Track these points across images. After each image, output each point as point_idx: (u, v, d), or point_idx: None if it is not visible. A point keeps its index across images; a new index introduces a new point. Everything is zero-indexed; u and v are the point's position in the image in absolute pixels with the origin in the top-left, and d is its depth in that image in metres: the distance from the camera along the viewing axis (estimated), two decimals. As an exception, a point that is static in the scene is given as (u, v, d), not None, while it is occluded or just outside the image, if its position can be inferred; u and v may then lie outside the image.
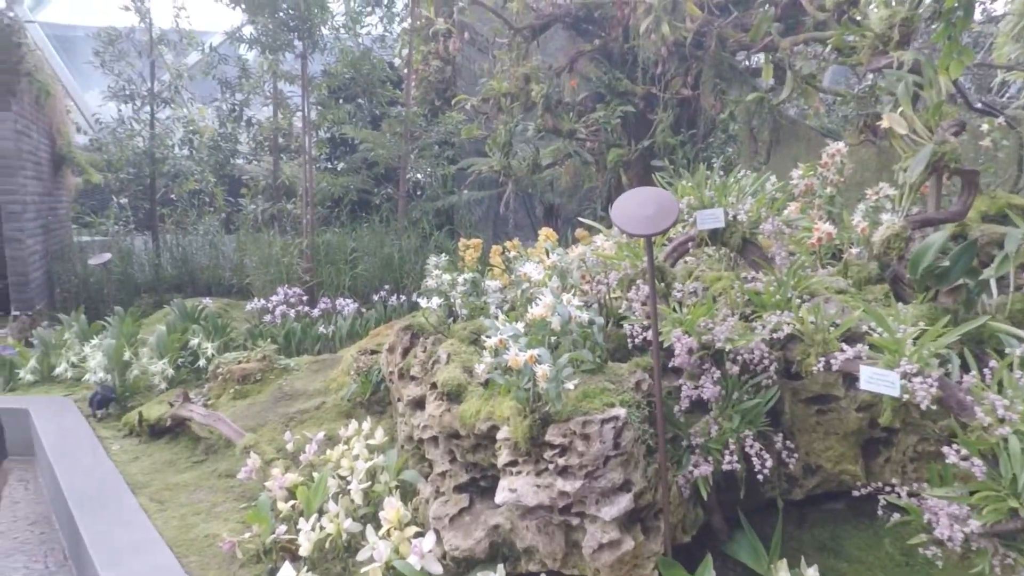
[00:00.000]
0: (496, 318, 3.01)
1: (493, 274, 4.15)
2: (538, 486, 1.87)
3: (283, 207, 7.67)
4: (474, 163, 7.72)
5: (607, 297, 2.61)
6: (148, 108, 7.79)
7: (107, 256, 5.16)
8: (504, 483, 1.95)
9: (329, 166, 9.30)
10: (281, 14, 5.98)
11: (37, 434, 4.03)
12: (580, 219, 4.97)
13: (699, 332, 2.08)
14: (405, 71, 9.07)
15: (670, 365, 2.14)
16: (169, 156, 8.04)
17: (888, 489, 1.86)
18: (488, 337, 2.04)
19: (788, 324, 2.04)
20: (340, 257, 6.69)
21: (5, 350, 4.99)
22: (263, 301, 5.61)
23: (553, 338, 2.10)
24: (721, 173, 2.61)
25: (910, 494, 1.78)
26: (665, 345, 2.08)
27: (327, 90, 7.37)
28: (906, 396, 1.66)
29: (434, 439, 2.57)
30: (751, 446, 2.03)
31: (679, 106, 4.86)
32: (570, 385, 1.84)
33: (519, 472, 1.93)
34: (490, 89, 5.18)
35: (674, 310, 2.25)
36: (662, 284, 2.40)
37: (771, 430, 2.14)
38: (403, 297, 6.30)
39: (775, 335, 2.05)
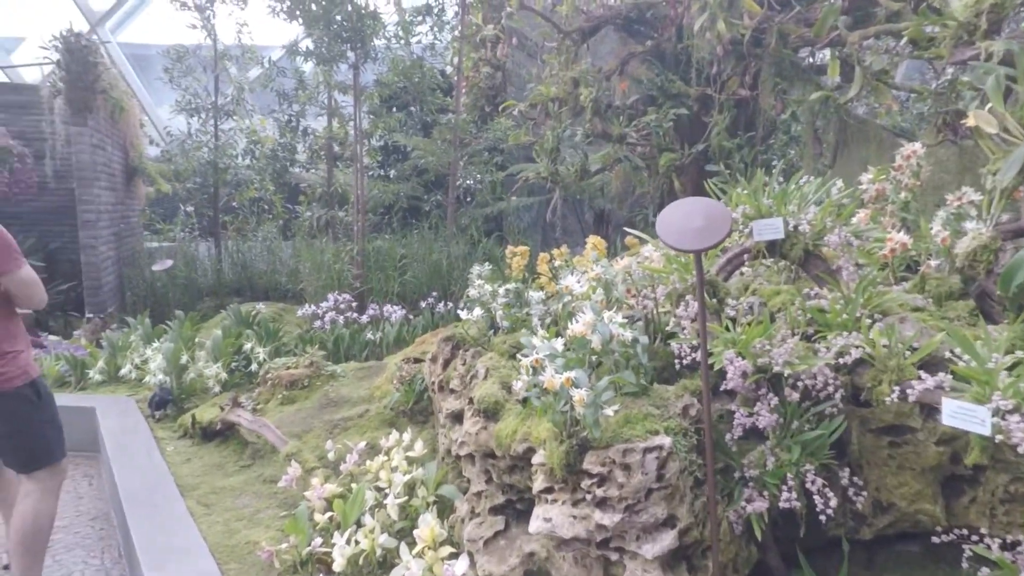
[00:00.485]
0: (537, 332, 2.91)
1: (539, 283, 4.05)
2: (574, 517, 1.75)
3: (335, 214, 7.82)
4: (522, 169, 7.65)
5: (654, 312, 2.45)
6: (212, 120, 8.13)
7: (169, 263, 5.38)
8: (539, 511, 1.84)
9: (381, 173, 9.46)
10: (335, 26, 6.11)
11: (101, 433, 4.22)
12: (630, 226, 4.80)
13: (754, 354, 1.91)
14: (456, 78, 9.13)
15: (722, 388, 1.98)
16: (231, 166, 8.36)
17: (975, 538, 1.63)
18: (524, 355, 1.94)
19: (857, 347, 1.84)
20: (389, 264, 6.75)
21: (78, 351, 5.27)
22: (313, 307, 5.71)
23: (594, 357, 1.98)
24: (780, 179, 2.41)
25: (1004, 547, 1.56)
26: (716, 367, 1.92)
27: (379, 99, 7.48)
28: (999, 436, 1.45)
29: (470, 457, 2.49)
30: (812, 481, 1.84)
31: (736, 107, 4.62)
32: (609, 411, 1.71)
33: (554, 500, 1.82)
34: (538, 94, 5.09)
35: (727, 328, 2.08)
36: (713, 300, 2.24)
37: (836, 463, 1.93)
38: (450, 304, 6.28)
39: (841, 359, 1.86)
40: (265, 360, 4.90)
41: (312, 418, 3.98)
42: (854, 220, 2.43)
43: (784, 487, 1.83)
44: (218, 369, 4.56)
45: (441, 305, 6.22)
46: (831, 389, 1.91)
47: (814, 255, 2.23)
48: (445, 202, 7.51)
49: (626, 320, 2.06)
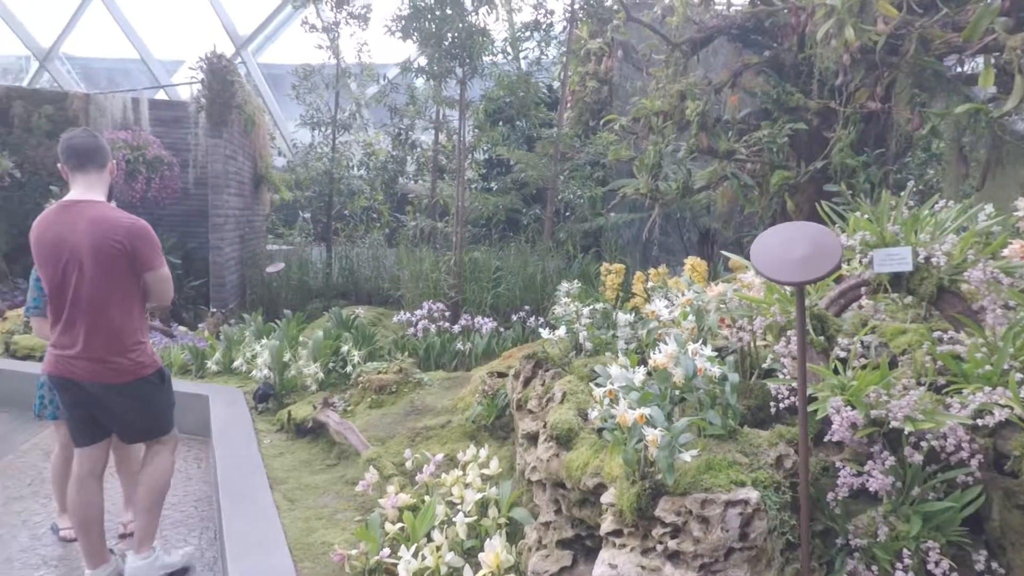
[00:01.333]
0: (619, 358, 2.75)
1: (632, 304, 3.87)
2: (642, 567, 1.59)
3: (436, 225, 8.05)
4: (623, 185, 7.46)
5: (751, 345, 2.22)
6: (332, 133, 8.70)
7: (281, 266, 5.77)
8: (605, 555, 1.70)
9: (484, 186, 9.65)
10: (446, 43, 6.31)
11: (210, 420, 4.57)
12: (729, 249, 4.47)
13: (867, 404, 1.65)
14: (561, 93, 9.13)
15: (826, 439, 1.73)
16: (345, 176, 8.90)
17: None
18: (598, 384, 1.81)
19: (1002, 406, 1.53)
20: (484, 275, 6.81)
21: (200, 343, 5.79)
22: (408, 314, 5.87)
23: (676, 392, 1.81)
24: (910, 202, 2.10)
25: None
26: (819, 416, 1.68)
27: (484, 113, 7.63)
28: None
29: (541, 484, 2.38)
30: (936, 561, 1.54)
31: (864, 121, 4.17)
32: (687, 456, 1.54)
33: (623, 546, 1.67)
34: (640, 108, 4.91)
35: (835, 371, 1.82)
36: (821, 336, 1.98)
37: (969, 542, 1.62)
38: (542, 319, 6.21)
39: (981, 419, 1.56)
40: (359, 363, 5.09)
41: (396, 424, 4.05)
42: (1005, 252, 2.06)
43: (899, 564, 1.55)
44: (316, 369, 4.79)
45: (533, 319, 6.16)
46: (966, 454, 1.60)
47: (950, 292, 1.91)
48: (544, 216, 7.48)
49: (716, 353, 1.87)
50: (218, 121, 6.58)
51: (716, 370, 1.75)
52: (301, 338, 5.58)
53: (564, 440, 2.22)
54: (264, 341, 5.17)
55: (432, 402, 4.31)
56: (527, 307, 6.73)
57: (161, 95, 11.61)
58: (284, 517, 3.16)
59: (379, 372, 4.60)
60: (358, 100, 8.95)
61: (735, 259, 3.82)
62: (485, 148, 8.30)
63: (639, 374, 1.84)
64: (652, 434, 1.50)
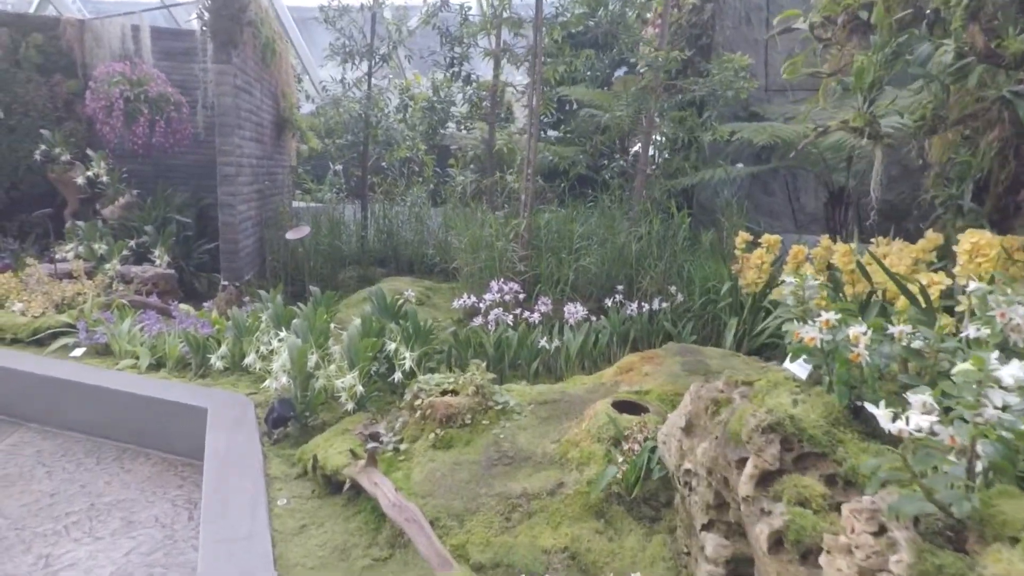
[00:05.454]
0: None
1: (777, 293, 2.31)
2: None
3: (498, 179, 6.47)
4: (741, 129, 5.74)
5: None
6: (367, 66, 7.11)
7: (306, 230, 4.34)
8: None
9: (554, 134, 7.99)
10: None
11: (207, 448, 3.22)
12: (896, 216, 2.86)
13: None
14: (649, 16, 7.31)
15: None
16: (383, 121, 7.34)
17: None
18: None
19: None
20: (563, 245, 5.27)
21: (203, 328, 4.44)
22: (472, 298, 4.40)
23: None
24: None
25: None
26: None
27: (558, 36, 5.91)
28: None
29: None
30: None
31: None
32: None
33: None
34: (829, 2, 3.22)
35: None
36: None
37: None
38: (644, 305, 4.68)
39: None
40: (412, 370, 3.66)
41: (477, 483, 2.62)
42: None
43: None
44: (353, 380, 3.38)
45: (634, 306, 4.63)
46: None
47: None
48: (639, 167, 5.84)
49: None
50: (225, 41, 5.06)
51: None
52: (333, 325, 4.17)
53: None
54: (283, 334, 3.77)
55: (526, 443, 2.86)
56: (620, 287, 5.19)
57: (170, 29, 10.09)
58: None
59: (443, 389, 3.16)
60: (397, 25, 7.29)
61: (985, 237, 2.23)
62: (554, 85, 6.62)
63: None
64: None
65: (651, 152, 7.04)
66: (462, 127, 8.63)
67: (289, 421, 3.31)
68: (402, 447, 2.96)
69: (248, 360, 4.12)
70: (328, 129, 8.11)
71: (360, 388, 3.40)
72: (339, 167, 8.44)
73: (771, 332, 3.83)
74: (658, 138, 6.93)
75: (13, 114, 7.44)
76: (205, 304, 5.27)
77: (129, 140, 6.82)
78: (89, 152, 7.12)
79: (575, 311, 4.34)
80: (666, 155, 7.01)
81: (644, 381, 3.13)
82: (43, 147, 7.15)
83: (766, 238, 4.04)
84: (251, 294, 5.74)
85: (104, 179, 6.96)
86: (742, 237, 4.29)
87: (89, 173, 6.96)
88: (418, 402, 3.07)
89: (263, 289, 6.27)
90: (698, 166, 6.75)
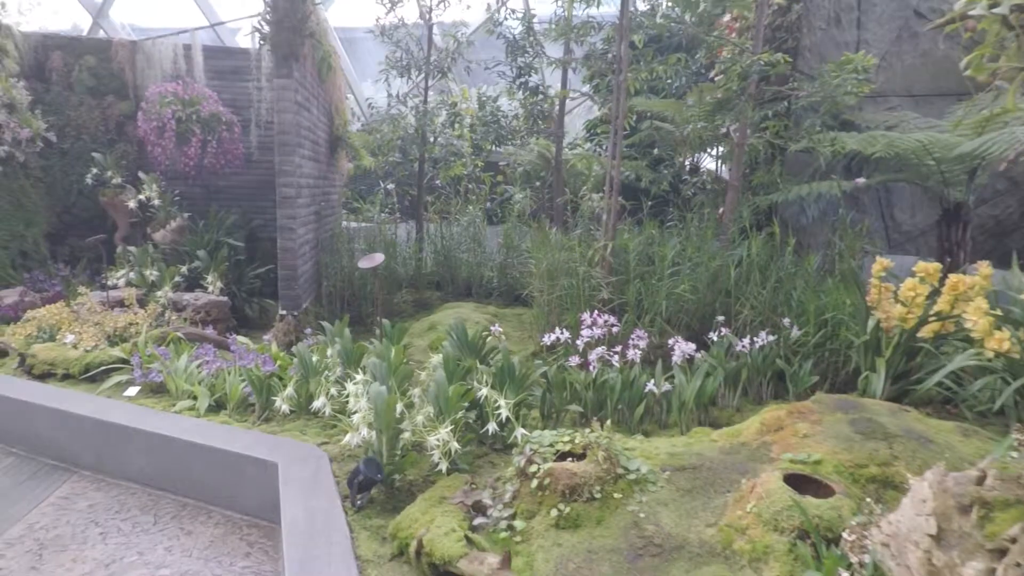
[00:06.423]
0: None
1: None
2: None
3: (568, 198, 5.99)
4: (839, 139, 5.15)
5: None
6: (423, 79, 6.74)
7: (380, 258, 3.91)
8: None
9: (602, 148, 7.51)
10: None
11: (283, 518, 2.77)
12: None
13: None
14: (727, 18, 6.80)
15: None
16: (441, 135, 6.95)
17: None
18: None
19: None
20: (657, 270, 4.74)
21: (265, 365, 4.03)
22: (563, 332, 3.90)
23: None
24: None
25: None
26: None
27: (642, 40, 5.44)
28: None
29: None
30: None
31: None
32: None
33: None
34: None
35: None
36: None
37: None
38: (751, 339, 4.11)
39: None
40: (510, 422, 3.17)
41: (625, 583, 2.10)
42: None
43: None
44: (447, 435, 2.90)
45: (744, 342, 4.07)
46: None
47: None
48: (730, 183, 5.29)
49: None
50: (287, 53, 4.72)
51: None
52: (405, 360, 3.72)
53: None
54: (359, 379, 3.32)
55: (674, 525, 2.33)
56: (721, 318, 4.64)
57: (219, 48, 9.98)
58: None
59: (558, 450, 2.65)
60: (455, 37, 6.92)
61: None
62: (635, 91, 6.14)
63: None
64: None
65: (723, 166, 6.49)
66: (512, 142, 8.21)
67: (375, 486, 2.85)
68: (516, 524, 2.46)
69: (317, 404, 3.69)
70: (380, 145, 7.78)
71: (455, 445, 2.91)
72: (390, 186, 8.08)
73: (939, 380, 3.23)
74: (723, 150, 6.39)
75: (66, 137, 7.30)
76: (265, 338, 4.89)
77: (180, 161, 6.58)
78: (140, 175, 6.90)
79: (680, 346, 3.80)
80: (744, 170, 6.45)
81: (806, 445, 2.57)
82: (95, 170, 6.97)
83: (922, 266, 3.46)
84: (310, 324, 5.36)
85: (156, 202, 6.72)
86: (880, 264, 3.71)
87: (140, 196, 6.73)
88: (533, 469, 2.56)
89: (320, 316, 5.89)
90: (778, 182, 6.17)
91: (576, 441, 2.70)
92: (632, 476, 2.55)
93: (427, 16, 6.75)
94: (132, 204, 6.70)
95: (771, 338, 4.19)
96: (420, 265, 7.13)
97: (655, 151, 7.33)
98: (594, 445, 2.60)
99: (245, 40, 10.86)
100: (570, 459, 2.63)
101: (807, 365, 4.12)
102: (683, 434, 3.51)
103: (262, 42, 5.09)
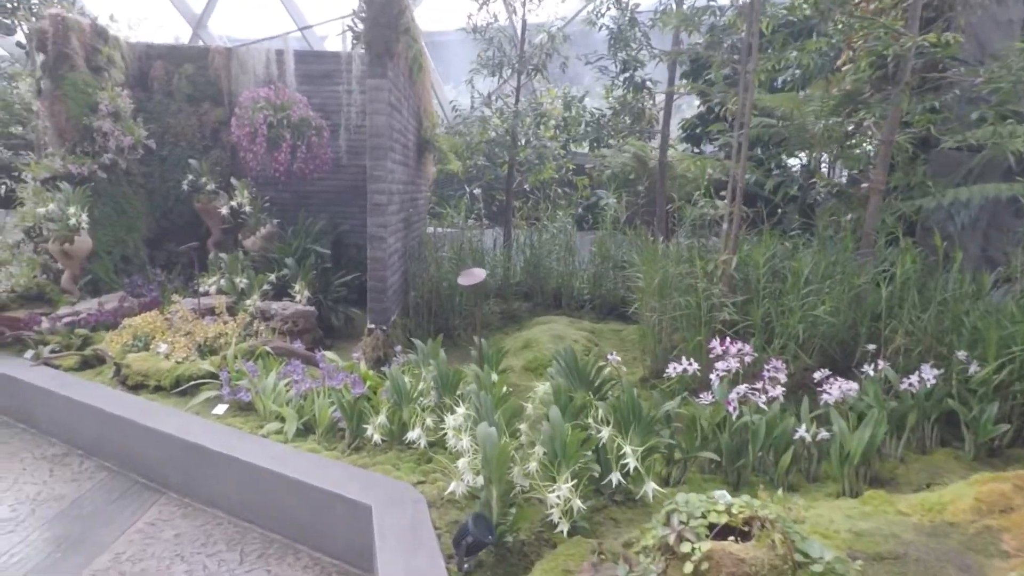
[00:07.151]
0: None
1: None
2: None
3: (675, 204, 5.40)
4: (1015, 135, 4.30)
5: None
6: (516, 78, 6.34)
7: (481, 275, 3.51)
8: None
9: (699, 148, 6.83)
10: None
11: (378, 573, 2.41)
12: None
13: None
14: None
15: None
16: (533, 137, 6.54)
17: None
18: None
19: None
20: (790, 288, 4.09)
21: (355, 387, 3.73)
22: (692, 364, 3.34)
23: None
24: None
25: None
26: None
27: (772, 28, 4.78)
28: None
29: None
30: None
31: None
32: None
33: None
34: None
35: None
36: None
37: None
38: (919, 375, 3.39)
39: None
40: (636, 474, 2.66)
41: None
42: None
43: None
44: (568, 492, 2.43)
45: (914, 379, 3.36)
46: None
47: None
48: (872, 186, 4.53)
49: None
50: (381, 51, 4.43)
51: None
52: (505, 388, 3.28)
53: None
54: (460, 412, 2.93)
55: (886, 646, 1.74)
56: (871, 346, 3.93)
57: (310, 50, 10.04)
58: None
59: (711, 522, 2.13)
60: (550, 33, 6.47)
61: None
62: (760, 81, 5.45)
63: None
64: None
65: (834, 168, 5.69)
66: (610, 143, 7.67)
67: (485, 548, 2.43)
68: (666, 619, 1.96)
69: (412, 436, 3.34)
70: (467, 147, 7.47)
71: (578, 503, 2.45)
72: (476, 190, 7.75)
73: None
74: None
75: (165, 144, 7.44)
76: (354, 355, 4.62)
77: (270, 167, 6.51)
78: (233, 180, 6.90)
79: (844, 386, 3.15)
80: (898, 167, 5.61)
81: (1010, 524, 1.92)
82: (191, 176, 7.04)
83: None
84: (398, 338, 5.06)
85: (247, 208, 6.69)
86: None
87: (233, 203, 6.71)
88: (686, 549, 2.05)
89: (408, 329, 5.60)
90: (929, 183, 5.30)
91: (734, 512, 2.16)
92: (817, 568, 1.98)
93: (520, 11, 6.35)
94: (224, 210, 6.70)
95: (936, 372, 3.47)
96: (508, 274, 6.74)
97: (757, 151, 6.60)
98: (762, 520, 2.05)
99: (333, 44, 10.94)
100: (731, 537, 2.10)
101: (991, 409, 3.37)
102: (848, 495, 2.88)
103: (355, 41, 4.84)
